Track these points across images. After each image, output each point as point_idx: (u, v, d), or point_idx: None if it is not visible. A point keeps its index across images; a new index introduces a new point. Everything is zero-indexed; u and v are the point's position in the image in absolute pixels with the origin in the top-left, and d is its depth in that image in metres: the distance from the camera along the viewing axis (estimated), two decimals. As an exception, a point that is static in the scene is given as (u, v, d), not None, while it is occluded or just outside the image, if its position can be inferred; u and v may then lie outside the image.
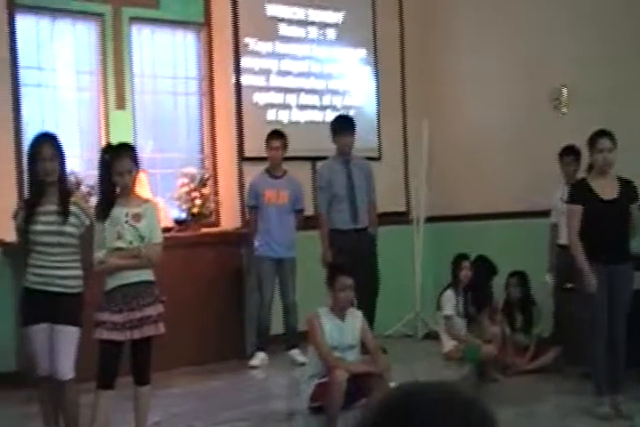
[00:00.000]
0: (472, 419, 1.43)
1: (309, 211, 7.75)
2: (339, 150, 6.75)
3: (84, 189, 6.61)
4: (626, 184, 5.38)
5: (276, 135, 6.92)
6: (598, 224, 5.22)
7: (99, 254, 4.50)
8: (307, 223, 7.17)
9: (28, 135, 6.72)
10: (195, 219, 7.14)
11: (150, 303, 4.52)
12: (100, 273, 4.52)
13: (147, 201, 4.77)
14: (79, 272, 4.61)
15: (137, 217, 4.55)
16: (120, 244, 4.51)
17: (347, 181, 6.70)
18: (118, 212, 4.53)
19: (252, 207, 6.98)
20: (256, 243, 6.82)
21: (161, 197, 7.08)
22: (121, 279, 4.50)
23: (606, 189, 5.30)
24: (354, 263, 6.06)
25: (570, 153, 6.90)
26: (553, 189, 6.97)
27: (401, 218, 8.34)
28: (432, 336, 7.51)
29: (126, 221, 4.53)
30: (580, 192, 5.36)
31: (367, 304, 6.23)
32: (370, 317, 6.33)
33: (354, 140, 6.73)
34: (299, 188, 7.06)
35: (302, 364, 6.41)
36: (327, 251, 6.53)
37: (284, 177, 6.98)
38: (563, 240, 6.74)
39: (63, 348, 4.47)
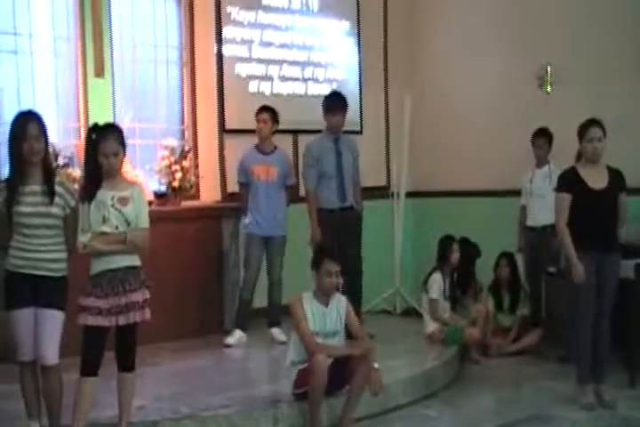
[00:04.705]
0: None
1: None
2: (328, 128, 6.68)
3: (61, 160, 6.47)
4: (614, 173, 5.38)
5: (265, 108, 6.79)
6: (587, 213, 5.23)
7: (83, 238, 4.39)
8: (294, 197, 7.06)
9: (4, 103, 6.59)
10: (175, 192, 7.04)
11: (136, 289, 4.45)
12: (85, 256, 4.42)
13: (133, 184, 4.65)
14: (64, 255, 4.51)
15: (123, 201, 4.45)
16: (105, 228, 4.40)
17: (336, 159, 6.65)
18: (104, 195, 4.42)
19: (242, 184, 6.86)
20: (246, 220, 6.73)
21: (140, 168, 6.97)
22: (107, 264, 4.41)
23: (595, 178, 5.30)
24: (339, 243, 6.04)
25: (541, 136, 6.89)
26: (523, 171, 6.98)
27: (381, 192, 8.30)
28: (411, 313, 7.54)
29: (112, 205, 4.41)
30: (568, 181, 5.34)
31: (353, 285, 6.21)
32: (357, 297, 6.33)
33: (344, 120, 6.68)
34: (289, 163, 6.91)
35: (282, 343, 6.41)
36: (317, 230, 6.50)
37: (275, 153, 6.80)
38: (530, 222, 6.81)
39: (48, 332, 4.38)
